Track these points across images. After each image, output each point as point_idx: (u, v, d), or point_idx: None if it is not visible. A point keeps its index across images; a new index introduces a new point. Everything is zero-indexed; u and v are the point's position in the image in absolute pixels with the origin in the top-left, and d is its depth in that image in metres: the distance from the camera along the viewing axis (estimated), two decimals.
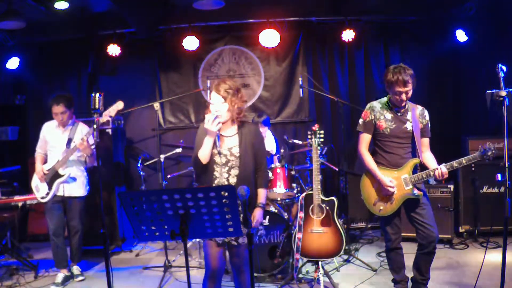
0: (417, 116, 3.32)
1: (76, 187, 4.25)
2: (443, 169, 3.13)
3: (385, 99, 3.41)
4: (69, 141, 4.17)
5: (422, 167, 3.32)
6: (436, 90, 6.25)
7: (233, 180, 2.80)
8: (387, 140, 3.34)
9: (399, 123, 3.30)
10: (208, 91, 2.86)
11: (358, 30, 5.88)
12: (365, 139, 3.40)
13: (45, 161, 4.29)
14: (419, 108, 3.38)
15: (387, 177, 3.29)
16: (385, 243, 3.54)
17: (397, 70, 3.17)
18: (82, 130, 4.27)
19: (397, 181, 3.29)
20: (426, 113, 3.38)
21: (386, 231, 3.46)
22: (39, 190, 4.22)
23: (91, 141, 4.05)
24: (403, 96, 3.20)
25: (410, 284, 3.54)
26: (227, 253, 2.98)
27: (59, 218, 4.23)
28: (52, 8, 4.76)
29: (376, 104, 3.40)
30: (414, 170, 3.30)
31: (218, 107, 2.79)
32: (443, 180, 4.89)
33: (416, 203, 3.28)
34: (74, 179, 4.22)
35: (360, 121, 3.43)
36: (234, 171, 2.81)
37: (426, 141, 3.38)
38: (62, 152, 4.13)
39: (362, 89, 6.27)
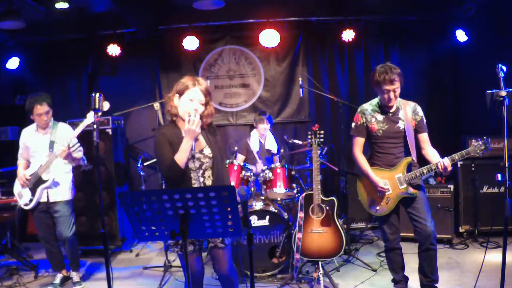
0: (409, 114, 3.31)
1: (60, 191, 4.05)
2: (445, 161, 3.11)
3: (375, 100, 3.41)
4: (51, 144, 3.98)
5: (423, 163, 3.29)
6: (436, 90, 6.25)
7: (209, 182, 2.68)
8: (381, 142, 3.35)
9: (391, 123, 3.31)
10: (192, 85, 2.65)
11: (358, 30, 5.88)
12: (359, 142, 3.42)
13: (27, 167, 4.10)
14: (411, 104, 3.37)
15: (381, 179, 3.31)
16: (384, 243, 3.54)
17: (383, 69, 3.18)
18: (62, 130, 4.08)
19: (392, 180, 3.30)
20: (418, 108, 3.36)
21: (383, 230, 3.45)
22: (22, 196, 4.04)
23: (74, 142, 3.92)
24: (391, 95, 3.20)
25: (409, 284, 3.55)
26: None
27: (47, 226, 4.09)
28: (52, 8, 4.76)
29: (367, 106, 3.41)
30: (408, 169, 3.30)
31: (197, 107, 2.61)
32: (443, 179, 4.91)
33: (412, 199, 3.29)
34: (57, 183, 4.02)
35: (353, 124, 3.45)
36: (208, 173, 2.69)
37: (424, 136, 3.35)
38: (45, 156, 3.94)
39: (362, 89, 6.28)
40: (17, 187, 4.11)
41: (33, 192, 3.99)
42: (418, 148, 3.36)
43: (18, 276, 4.37)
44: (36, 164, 4.01)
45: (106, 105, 3.56)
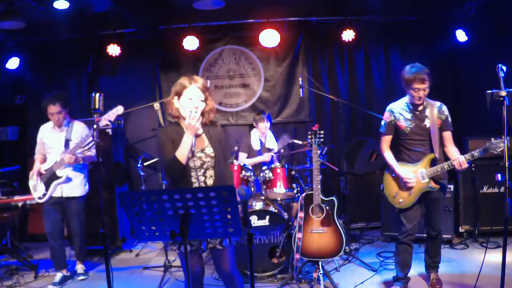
0: (435, 112, 3.46)
1: (74, 187, 4.21)
2: (461, 158, 3.27)
3: (404, 99, 3.56)
4: (67, 142, 4.13)
5: (446, 160, 3.45)
6: (436, 90, 6.19)
7: (210, 182, 2.67)
8: (408, 139, 3.50)
9: (418, 121, 3.46)
10: (189, 83, 2.68)
11: (358, 30, 5.88)
12: (386, 139, 3.59)
13: (44, 161, 4.27)
14: (437, 104, 3.52)
15: (405, 171, 3.47)
16: (398, 236, 3.64)
17: (414, 68, 3.35)
18: (78, 129, 4.23)
19: (415, 174, 3.46)
20: (444, 108, 3.52)
21: (402, 223, 3.57)
22: (37, 190, 4.19)
23: (88, 140, 4.02)
24: (421, 93, 3.35)
25: (410, 285, 3.58)
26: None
27: (55, 221, 4.19)
28: (52, 8, 4.76)
29: (396, 105, 3.57)
30: (432, 164, 3.44)
31: (198, 104, 2.62)
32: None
33: (433, 197, 3.49)
34: (71, 179, 4.17)
35: (382, 122, 3.62)
36: (210, 172, 2.69)
37: (448, 134, 3.50)
38: (60, 154, 4.09)
39: (362, 89, 6.27)
40: (32, 180, 4.23)
41: (47, 187, 4.13)
42: (442, 145, 3.53)
43: (18, 276, 4.37)
44: (51, 160, 4.17)
45: (120, 109, 3.74)
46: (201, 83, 2.67)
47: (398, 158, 3.56)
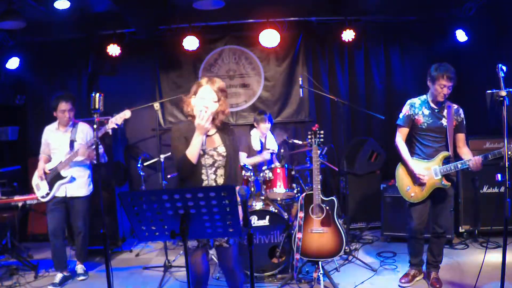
0: (452, 113, 3.56)
1: (78, 187, 4.25)
2: (477, 159, 3.37)
3: (424, 96, 3.67)
4: (72, 143, 4.19)
5: (458, 160, 3.54)
6: None
7: (220, 181, 2.72)
8: (424, 134, 3.61)
9: (435, 119, 3.57)
10: (206, 83, 2.74)
11: (358, 30, 5.88)
12: (403, 132, 3.69)
13: (48, 161, 4.30)
14: (455, 106, 3.63)
15: (419, 167, 3.55)
16: (407, 232, 3.80)
17: (444, 67, 3.48)
18: (83, 130, 4.30)
19: (428, 171, 3.54)
20: (461, 111, 3.64)
21: (411, 217, 3.67)
22: (40, 189, 4.22)
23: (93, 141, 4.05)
24: (445, 91, 3.47)
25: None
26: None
27: (59, 219, 4.22)
28: (52, 8, 4.76)
29: (416, 100, 3.68)
30: (445, 162, 3.53)
31: (209, 104, 2.66)
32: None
33: (443, 195, 3.59)
34: (75, 179, 4.22)
35: (400, 115, 3.72)
36: (221, 171, 2.74)
37: (462, 136, 3.63)
38: (65, 154, 4.14)
39: (362, 89, 6.27)
40: (35, 179, 4.27)
41: (51, 187, 4.17)
42: (454, 146, 3.64)
43: (18, 276, 4.38)
44: (56, 160, 4.21)
45: (128, 113, 3.84)
46: (217, 85, 2.72)
47: (411, 152, 3.65)
